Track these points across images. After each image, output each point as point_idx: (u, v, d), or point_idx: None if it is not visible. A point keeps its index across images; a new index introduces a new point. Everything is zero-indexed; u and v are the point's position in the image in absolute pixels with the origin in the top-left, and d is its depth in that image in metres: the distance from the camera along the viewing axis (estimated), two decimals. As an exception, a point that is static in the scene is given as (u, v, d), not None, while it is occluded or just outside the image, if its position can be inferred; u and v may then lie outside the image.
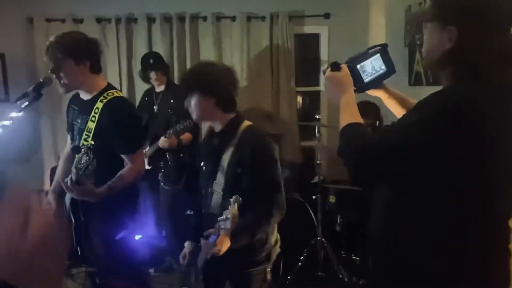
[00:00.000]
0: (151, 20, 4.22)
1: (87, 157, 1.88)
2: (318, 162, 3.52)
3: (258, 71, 4.31)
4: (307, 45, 4.62)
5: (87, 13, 4.19)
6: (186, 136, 3.39)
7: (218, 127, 1.97)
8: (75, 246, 2.24)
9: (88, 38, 2.22)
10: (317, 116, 3.67)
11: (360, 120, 1.36)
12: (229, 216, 1.62)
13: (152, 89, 3.72)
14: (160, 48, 4.16)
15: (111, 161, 2.16)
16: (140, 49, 4.21)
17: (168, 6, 4.22)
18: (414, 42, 3.37)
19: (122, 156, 2.19)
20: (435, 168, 1.18)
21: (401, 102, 1.59)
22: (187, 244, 2.12)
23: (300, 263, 3.40)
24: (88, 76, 2.19)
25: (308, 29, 4.43)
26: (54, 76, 2.14)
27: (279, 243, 2.05)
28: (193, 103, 1.92)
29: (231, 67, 2.06)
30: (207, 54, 4.24)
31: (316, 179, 3.60)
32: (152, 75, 3.57)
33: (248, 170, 1.84)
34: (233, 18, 4.25)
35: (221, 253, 1.74)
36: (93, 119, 2.16)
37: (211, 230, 1.76)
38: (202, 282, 2.05)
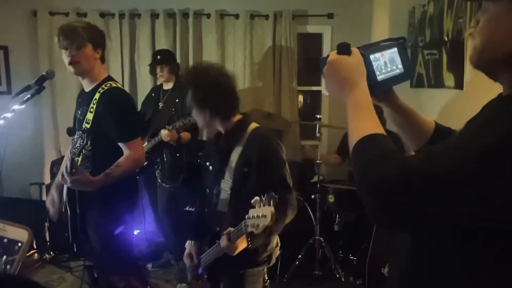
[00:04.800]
0: (154, 16, 4.22)
1: (81, 140, 1.88)
2: (318, 161, 3.52)
3: (261, 69, 4.32)
4: (310, 45, 4.61)
5: (90, 7, 4.19)
6: (186, 135, 3.41)
7: (223, 130, 1.99)
8: (72, 241, 2.24)
9: (100, 29, 2.33)
10: (318, 116, 3.67)
11: (381, 129, 0.89)
12: (265, 214, 1.59)
13: (160, 86, 3.74)
14: (163, 44, 4.16)
15: (110, 152, 2.15)
16: (143, 45, 4.23)
17: (172, 2, 4.23)
18: (417, 43, 3.37)
19: (120, 144, 2.17)
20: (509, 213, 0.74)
21: (411, 117, 1.15)
22: (189, 244, 2.11)
23: (297, 262, 3.41)
24: (97, 63, 2.25)
25: (311, 28, 4.44)
26: (68, 55, 2.15)
27: (279, 246, 2.06)
28: (194, 116, 2.00)
29: (223, 69, 2.02)
30: (210, 51, 4.25)
31: (315, 179, 3.60)
32: (158, 70, 3.60)
33: (257, 170, 1.85)
34: (237, 16, 4.25)
35: (236, 253, 1.77)
36: (91, 110, 2.18)
37: (231, 229, 1.77)
38: (206, 280, 2.06)
